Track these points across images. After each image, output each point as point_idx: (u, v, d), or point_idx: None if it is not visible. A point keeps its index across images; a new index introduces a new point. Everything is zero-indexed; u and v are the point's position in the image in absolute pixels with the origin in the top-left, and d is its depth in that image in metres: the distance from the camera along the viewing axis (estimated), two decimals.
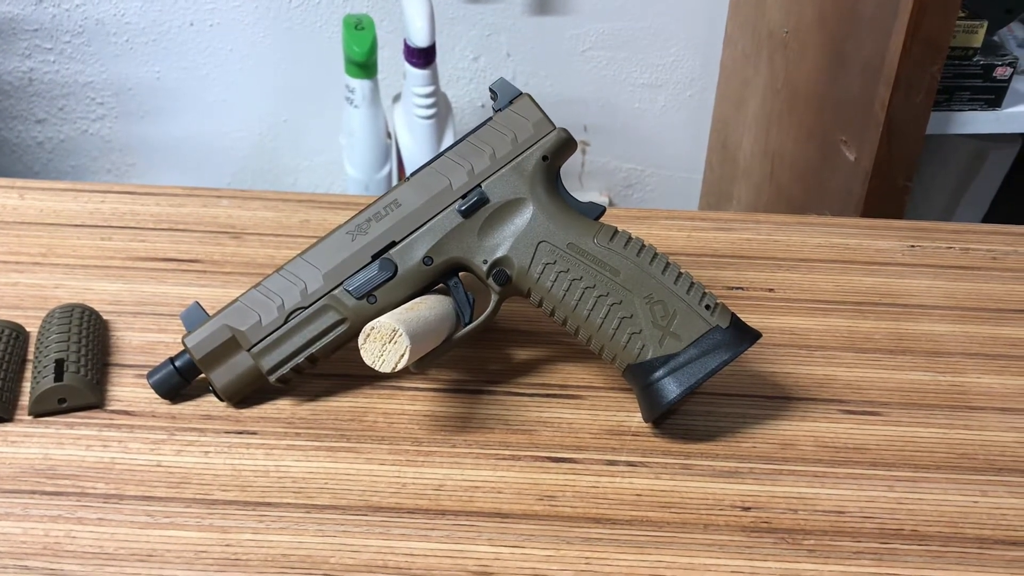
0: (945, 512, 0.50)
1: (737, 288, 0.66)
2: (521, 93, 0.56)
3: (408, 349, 0.49)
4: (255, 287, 0.55)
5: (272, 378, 0.55)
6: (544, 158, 0.55)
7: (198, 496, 0.50)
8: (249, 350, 0.54)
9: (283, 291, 0.55)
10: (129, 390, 0.56)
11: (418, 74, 1.28)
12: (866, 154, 1.03)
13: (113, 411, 0.55)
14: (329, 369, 0.57)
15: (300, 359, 0.54)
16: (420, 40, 1.24)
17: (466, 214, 0.54)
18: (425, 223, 0.55)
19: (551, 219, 0.54)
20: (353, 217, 0.55)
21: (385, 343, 0.49)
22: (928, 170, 1.25)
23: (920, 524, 0.49)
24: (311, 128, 1.54)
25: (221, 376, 0.54)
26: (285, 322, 0.54)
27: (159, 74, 1.49)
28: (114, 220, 0.71)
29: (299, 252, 0.55)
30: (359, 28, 1.29)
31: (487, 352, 0.60)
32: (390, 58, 1.43)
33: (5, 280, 0.64)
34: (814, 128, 1.18)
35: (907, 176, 1.02)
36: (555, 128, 0.56)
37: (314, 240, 0.69)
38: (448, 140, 1.35)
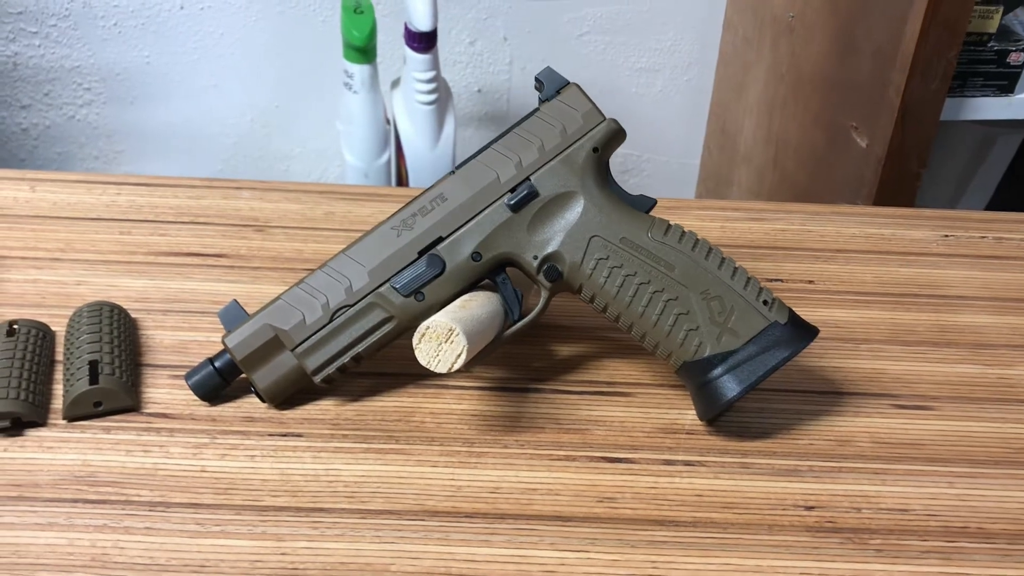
0: (1008, 509, 0.50)
1: (776, 280, 0.65)
2: (569, 83, 0.55)
3: (465, 349, 0.48)
4: (297, 285, 0.53)
5: (317, 378, 0.53)
6: (594, 150, 0.53)
7: (247, 503, 0.48)
8: (293, 350, 0.52)
9: (327, 289, 0.53)
10: (165, 391, 0.54)
11: (419, 59, 1.26)
12: (879, 140, 1.02)
13: (150, 414, 0.53)
14: (371, 367, 0.56)
15: (346, 358, 0.53)
16: (422, 24, 1.21)
17: (515, 208, 0.53)
18: (473, 218, 0.53)
19: (603, 213, 0.53)
20: (398, 212, 0.54)
21: (441, 343, 0.48)
22: (935, 156, 1.25)
23: (984, 521, 0.49)
24: (305, 114, 1.51)
25: (264, 377, 0.53)
26: (330, 321, 0.52)
27: (148, 59, 1.45)
28: (132, 213, 0.69)
29: (342, 248, 0.54)
30: (358, 12, 1.26)
31: (530, 348, 0.58)
32: (388, 42, 1.40)
33: (24, 277, 0.62)
34: (821, 113, 1.18)
35: (921, 163, 1.02)
36: (605, 118, 0.54)
37: (346, 233, 0.68)
38: (449, 126, 1.33)
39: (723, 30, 1.47)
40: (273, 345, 0.52)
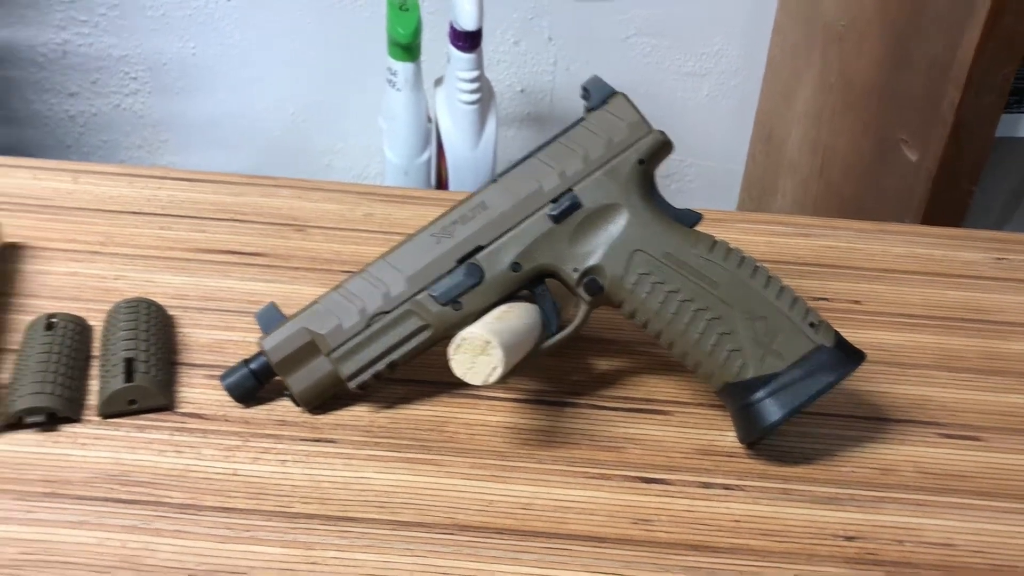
0: None
1: (821, 299, 0.64)
2: (616, 92, 0.54)
3: (502, 363, 0.47)
4: (335, 289, 0.53)
5: (352, 384, 0.52)
6: (640, 162, 0.52)
7: (278, 508, 0.48)
8: (328, 355, 0.52)
9: (365, 294, 0.52)
10: (199, 391, 0.54)
11: (463, 58, 1.25)
12: (930, 155, 1.00)
13: (184, 414, 0.53)
14: (405, 375, 0.55)
15: (381, 365, 0.52)
16: (468, 23, 1.21)
17: (557, 219, 0.52)
18: (513, 227, 0.52)
19: (647, 227, 0.51)
20: (438, 219, 0.53)
21: (477, 355, 0.47)
22: (987, 173, 1.22)
23: None
24: (347, 110, 1.51)
25: (299, 381, 0.52)
26: (367, 327, 0.52)
27: (194, 50, 1.46)
28: (172, 208, 0.69)
29: (382, 253, 0.53)
30: (404, 9, 1.26)
31: (567, 362, 0.57)
32: (432, 40, 1.40)
33: (64, 269, 0.62)
34: (871, 125, 1.15)
35: (972, 180, 1.00)
36: (652, 130, 0.53)
37: (384, 235, 0.67)
38: (490, 126, 1.32)
39: (772, 36, 1.45)
40: (309, 349, 0.52)
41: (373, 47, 1.34)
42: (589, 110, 0.54)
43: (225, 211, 0.69)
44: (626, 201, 0.52)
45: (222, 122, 1.52)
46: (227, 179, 0.72)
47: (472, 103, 1.28)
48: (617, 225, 0.52)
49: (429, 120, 1.34)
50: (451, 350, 0.48)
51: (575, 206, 0.52)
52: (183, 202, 0.69)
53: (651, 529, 0.48)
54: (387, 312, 0.52)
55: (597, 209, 0.52)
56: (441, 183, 1.36)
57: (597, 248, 0.52)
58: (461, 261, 0.52)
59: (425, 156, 1.34)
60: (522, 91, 1.52)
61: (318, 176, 1.61)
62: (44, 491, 0.48)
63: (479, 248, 0.52)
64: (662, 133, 0.53)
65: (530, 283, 0.53)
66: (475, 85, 1.27)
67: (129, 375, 0.52)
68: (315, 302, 0.53)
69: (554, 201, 0.52)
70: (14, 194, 0.68)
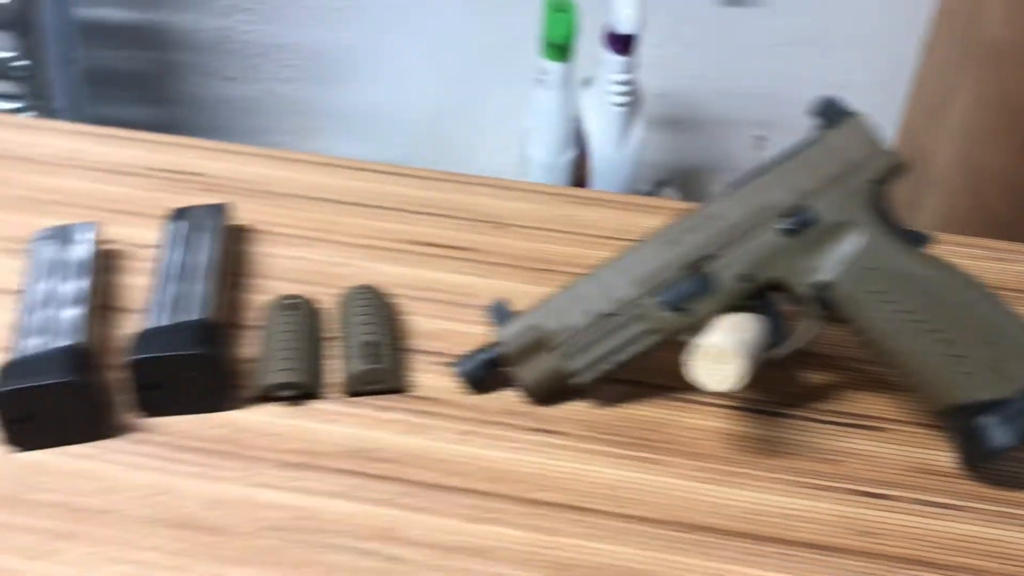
0: None
1: None
2: (852, 113, 0.55)
3: (742, 373, 0.49)
4: (565, 289, 0.55)
5: (577, 381, 0.55)
6: (876, 182, 0.53)
7: (515, 493, 0.50)
8: (556, 351, 0.54)
9: (594, 296, 0.54)
10: (428, 376, 0.57)
11: (618, 61, 1.27)
12: None
13: (418, 397, 0.56)
14: (624, 374, 0.57)
15: (607, 365, 0.54)
16: (627, 27, 1.22)
17: (791, 234, 0.53)
18: (745, 239, 0.54)
19: (882, 246, 0.52)
20: (668, 226, 0.55)
21: (718, 363, 0.49)
22: None
23: None
24: (491, 106, 1.54)
25: (527, 374, 0.55)
26: (594, 328, 0.54)
27: (349, 41, 1.51)
28: (384, 200, 0.72)
29: (610, 258, 0.55)
30: (560, 10, 1.28)
31: (783, 373, 0.59)
32: (582, 41, 1.42)
33: (292, 253, 0.66)
34: None
35: None
36: (887, 151, 0.54)
37: (583, 237, 0.69)
38: (638, 128, 1.34)
39: (923, 51, 1.43)
40: (538, 344, 0.55)
41: (523, 47, 1.36)
42: (823, 129, 0.55)
43: (428, 205, 0.72)
44: (861, 219, 0.53)
45: (367, 112, 1.57)
46: (430, 175, 0.75)
47: (623, 105, 1.29)
48: (851, 243, 0.53)
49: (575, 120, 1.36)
50: (690, 355, 0.50)
51: (810, 221, 0.53)
52: (390, 194, 0.72)
53: (876, 542, 0.49)
54: (615, 315, 0.54)
55: (832, 225, 0.53)
56: (580, 183, 1.38)
57: (829, 264, 0.53)
58: (690, 269, 0.54)
59: (570, 156, 1.36)
60: (663, 95, 1.53)
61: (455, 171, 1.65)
62: (298, 461, 0.51)
63: (709, 257, 0.54)
64: (897, 154, 0.54)
65: (758, 295, 0.54)
66: (627, 88, 1.28)
67: (373, 357, 0.55)
68: (546, 300, 0.55)
69: (787, 216, 0.53)
70: (226, 177, 0.72)
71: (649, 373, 0.57)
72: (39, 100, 1.21)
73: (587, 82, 1.34)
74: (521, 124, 1.40)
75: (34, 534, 0.47)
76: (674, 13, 1.46)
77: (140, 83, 1.56)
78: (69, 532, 0.47)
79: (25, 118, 0.75)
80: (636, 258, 0.54)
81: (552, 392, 0.55)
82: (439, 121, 1.56)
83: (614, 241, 0.68)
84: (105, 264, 0.62)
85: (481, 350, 0.56)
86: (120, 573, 0.46)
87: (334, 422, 0.54)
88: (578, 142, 1.35)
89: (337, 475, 0.51)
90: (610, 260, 0.55)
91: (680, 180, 1.57)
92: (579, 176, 1.37)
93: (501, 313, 0.56)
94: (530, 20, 1.43)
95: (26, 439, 0.50)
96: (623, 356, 0.54)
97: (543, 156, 1.35)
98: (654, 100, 1.55)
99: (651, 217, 0.69)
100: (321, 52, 1.53)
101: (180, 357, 0.52)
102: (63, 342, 0.52)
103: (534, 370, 0.55)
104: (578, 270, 0.57)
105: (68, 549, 0.46)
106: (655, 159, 1.53)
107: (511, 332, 0.55)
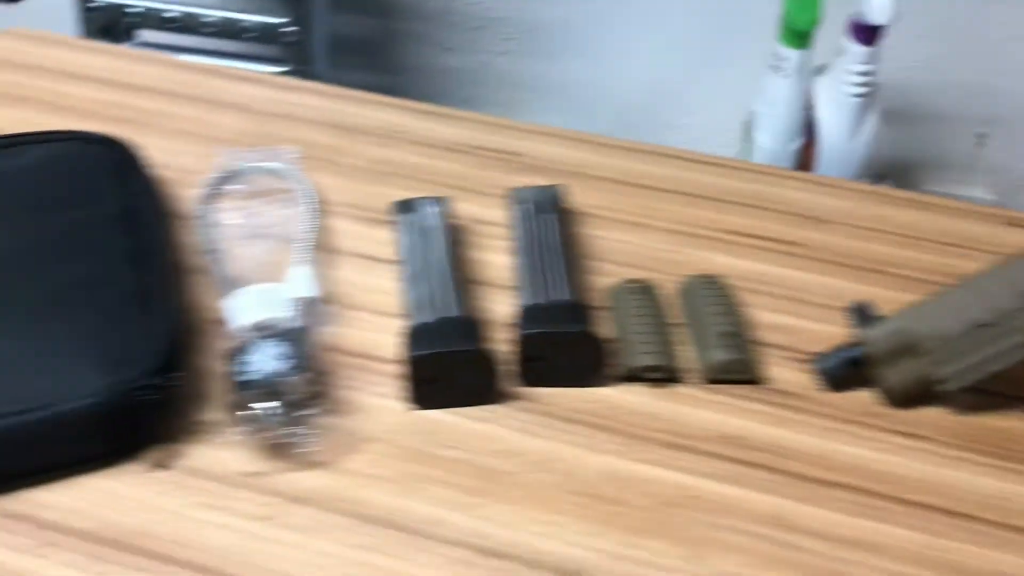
0: None
1: None
2: None
3: None
4: (937, 296, 0.56)
5: (942, 388, 0.55)
6: None
7: (895, 493, 0.51)
8: (925, 357, 0.55)
9: (970, 305, 0.55)
10: (780, 370, 0.58)
11: (862, 51, 1.25)
12: None
13: (775, 390, 0.57)
14: (988, 385, 0.57)
15: (976, 375, 0.55)
16: (879, 17, 1.20)
17: None
18: None
19: None
20: None
21: None
22: None
23: None
24: (710, 88, 1.53)
25: (892, 376, 0.56)
26: (969, 337, 0.55)
27: (568, 16, 1.53)
28: (696, 189, 0.73)
29: (989, 267, 0.55)
30: None
31: None
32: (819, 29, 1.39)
33: (618, 237, 0.68)
34: None
35: None
36: None
37: (902, 239, 0.69)
38: (871, 119, 1.31)
39: None
40: (907, 349, 0.55)
41: (756, 30, 1.35)
42: None
43: (739, 195, 0.73)
44: None
45: (579, 87, 1.59)
46: (737, 165, 0.76)
47: (861, 96, 1.27)
48: None
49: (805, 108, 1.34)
50: None
51: None
52: (708, 185, 0.73)
53: None
54: (992, 324, 0.54)
55: None
56: (805, 171, 1.37)
57: None
58: None
59: (797, 143, 1.35)
60: (886, 85, 1.50)
61: None
62: (672, 441, 0.54)
63: None
64: None
65: None
66: (868, 78, 1.26)
67: (735, 348, 0.57)
68: (916, 306, 0.56)
69: None
70: (545, 159, 0.75)
71: (1012, 385, 0.57)
72: (302, 64, 1.27)
73: (820, 70, 1.33)
74: (743, 107, 1.39)
75: (449, 487, 0.51)
76: (903, 4, 1.42)
77: (366, 50, 1.62)
78: (481, 489, 0.51)
79: (365, 94, 0.79)
80: (1018, 269, 0.54)
81: (914, 396, 0.56)
82: (654, 100, 1.57)
83: (937, 245, 0.68)
84: (457, 239, 0.66)
85: (842, 348, 0.57)
86: (539, 533, 0.49)
87: (698, 407, 0.56)
88: (806, 131, 1.34)
89: (713, 459, 0.53)
90: (988, 270, 0.55)
91: (897, 175, 1.54)
92: (804, 165, 1.36)
93: (864, 314, 0.57)
94: (767, 3, 1.42)
95: (429, 399, 0.54)
96: (996, 367, 0.55)
97: (770, 143, 1.34)
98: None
99: (971, 223, 0.69)
100: (538, 26, 1.55)
101: (564, 334, 0.55)
102: (453, 313, 0.56)
103: (899, 373, 0.56)
104: (909, 273, 0.58)
105: (483, 504, 0.50)
106: (880, 150, 1.50)
107: (878, 334, 0.56)
